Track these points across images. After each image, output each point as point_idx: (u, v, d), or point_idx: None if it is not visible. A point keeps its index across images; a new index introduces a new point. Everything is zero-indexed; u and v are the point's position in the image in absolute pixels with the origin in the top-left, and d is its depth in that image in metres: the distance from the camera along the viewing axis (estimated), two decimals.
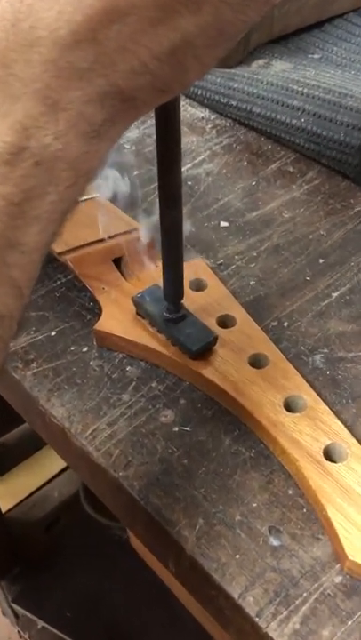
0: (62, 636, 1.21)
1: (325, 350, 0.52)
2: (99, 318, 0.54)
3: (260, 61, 0.75)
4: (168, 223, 0.46)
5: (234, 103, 0.70)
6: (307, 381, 0.48)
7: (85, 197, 0.57)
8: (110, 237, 0.56)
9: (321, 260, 0.59)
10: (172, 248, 0.47)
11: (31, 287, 0.31)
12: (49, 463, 1.37)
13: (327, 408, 0.46)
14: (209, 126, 0.73)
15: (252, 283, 0.58)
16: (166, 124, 0.40)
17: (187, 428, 0.48)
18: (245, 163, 0.68)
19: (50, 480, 1.37)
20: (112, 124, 0.30)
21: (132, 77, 0.29)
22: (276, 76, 0.69)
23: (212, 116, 0.73)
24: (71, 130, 0.29)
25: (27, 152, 0.28)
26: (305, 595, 0.40)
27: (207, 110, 0.74)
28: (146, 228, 0.56)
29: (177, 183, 0.43)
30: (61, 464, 1.37)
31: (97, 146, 0.30)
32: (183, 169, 0.58)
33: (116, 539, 1.27)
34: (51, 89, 0.28)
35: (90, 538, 1.30)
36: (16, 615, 1.28)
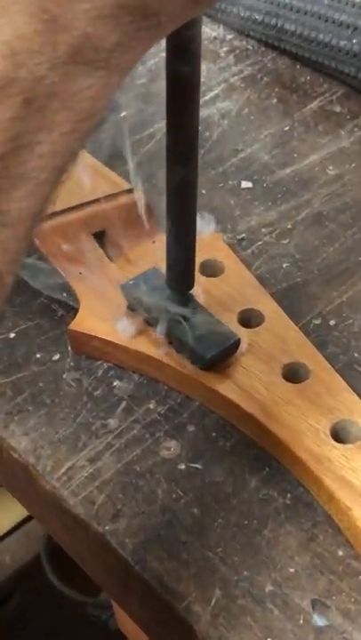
0: None
1: None
2: (74, 315, 0.54)
3: None
4: (177, 184, 0.46)
5: (259, 18, 0.70)
6: None
7: None
8: (90, 203, 0.56)
9: None
10: (181, 218, 0.47)
11: (14, 273, 0.31)
12: None
13: None
14: (224, 49, 0.73)
15: (285, 265, 0.58)
16: (183, 49, 0.40)
17: (197, 466, 0.48)
18: (275, 100, 0.68)
19: (0, 539, 1.37)
20: (126, 49, 0.30)
21: None
22: None
23: (229, 36, 0.74)
24: (73, 57, 0.29)
25: (15, 85, 0.28)
26: None
27: (221, 27, 0.74)
28: (139, 190, 0.56)
29: (192, 131, 0.44)
30: (16, 517, 1.38)
31: (105, 79, 0.30)
32: None
33: (93, 620, 1.28)
34: (50, 0, 0.28)
35: (56, 618, 1.31)
36: None
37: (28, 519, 1.36)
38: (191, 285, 0.51)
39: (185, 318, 0.51)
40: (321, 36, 0.68)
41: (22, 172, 0.29)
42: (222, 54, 0.73)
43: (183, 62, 0.41)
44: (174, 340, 0.51)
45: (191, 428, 0.50)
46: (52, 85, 0.29)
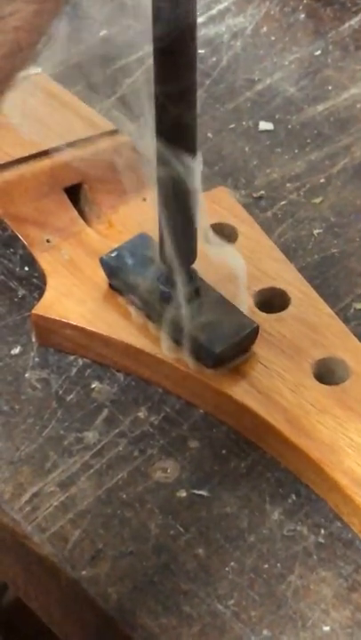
0: None
1: None
2: (40, 295, 0.54)
3: None
4: (168, 128, 0.46)
5: None
6: None
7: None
8: (61, 148, 0.56)
9: None
10: (177, 169, 0.47)
11: None
12: None
13: None
14: None
15: (317, 232, 0.59)
16: None
17: (203, 492, 0.49)
18: (303, 15, 0.69)
19: None
20: None
21: None
22: None
23: None
24: None
25: None
26: None
27: None
28: (125, 132, 0.57)
29: (186, 54, 0.44)
30: None
31: (34, 5, 0.31)
32: None
33: None
34: None
35: None
36: None
37: None
38: (193, 258, 0.51)
39: (186, 301, 0.51)
40: None
41: None
42: None
43: None
44: (172, 329, 0.51)
45: (194, 444, 0.51)
46: None
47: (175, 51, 0.44)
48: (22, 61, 0.33)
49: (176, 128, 0.46)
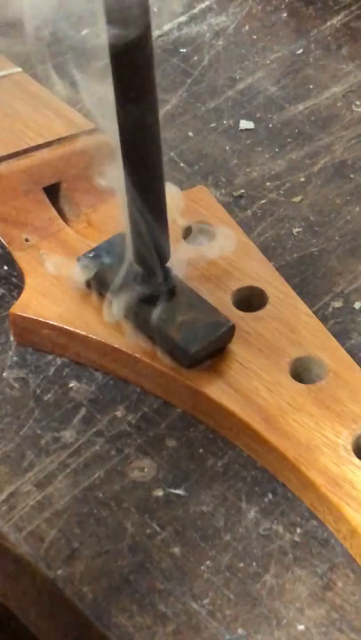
0: None
1: None
2: (18, 295, 0.54)
3: None
4: (129, 129, 0.46)
5: None
6: None
7: None
8: (40, 147, 0.56)
9: None
10: (139, 164, 0.47)
11: None
12: None
13: None
14: None
15: (296, 231, 0.59)
16: None
17: (179, 492, 0.49)
18: (285, 14, 0.69)
19: None
20: None
21: None
22: None
23: None
24: None
25: None
26: None
27: None
28: (105, 131, 0.56)
29: (142, 45, 0.43)
30: None
31: None
32: (171, 25, 0.59)
33: None
34: None
35: None
36: None
37: None
38: (166, 258, 0.51)
39: (162, 300, 0.51)
40: None
41: None
42: None
43: None
44: (149, 328, 0.51)
45: (171, 443, 0.51)
46: None
47: (130, 53, 0.43)
48: None
49: (138, 128, 0.46)
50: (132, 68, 0.44)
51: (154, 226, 0.49)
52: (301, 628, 0.45)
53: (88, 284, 0.54)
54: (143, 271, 0.51)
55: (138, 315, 0.52)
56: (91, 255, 0.53)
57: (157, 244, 0.50)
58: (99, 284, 0.53)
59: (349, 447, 0.48)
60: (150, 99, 0.45)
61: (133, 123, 0.46)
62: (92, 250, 0.53)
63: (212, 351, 0.51)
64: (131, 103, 0.45)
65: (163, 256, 0.51)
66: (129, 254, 0.51)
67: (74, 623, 0.47)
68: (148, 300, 0.51)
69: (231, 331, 0.51)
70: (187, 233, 0.55)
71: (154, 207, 0.49)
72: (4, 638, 0.74)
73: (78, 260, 0.53)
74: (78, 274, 0.54)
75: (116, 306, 0.52)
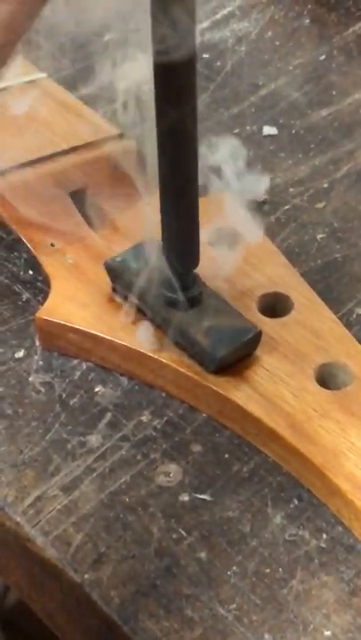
0: None
1: None
2: (44, 299, 0.54)
3: None
4: (168, 132, 0.46)
5: None
6: None
7: (22, 79, 0.57)
8: (66, 152, 0.57)
9: None
10: (176, 171, 0.48)
11: None
12: None
13: None
14: None
15: (320, 237, 0.59)
16: None
17: (205, 497, 0.49)
18: (308, 20, 0.69)
19: None
20: None
21: None
22: None
23: None
24: None
25: None
26: None
27: None
28: (130, 136, 0.57)
29: (186, 55, 0.43)
30: None
31: (8, 5, 0.32)
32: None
33: None
34: None
35: None
36: None
37: None
38: (196, 263, 0.51)
39: (189, 305, 0.51)
40: None
41: None
42: None
43: None
44: (175, 333, 0.51)
45: (197, 448, 0.51)
46: None
47: (175, 70, 0.44)
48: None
49: (176, 131, 0.47)
50: (175, 69, 0.44)
51: (185, 231, 0.49)
52: (328, 633, 0.45)
53: (114, 289, 0.53)
54: (172, 276, 0.51)
55: (164, 319, 0.52)
56: (118, 260, 0.53)
57: (188, 249, 0.50)
58: (125, 289, 0.53)
59: None
60: (192, 103, 0.45)
61: (173, 127, 0.46)
62: (118, 255, 0.53)
63: (238, 357, 0.51)
64: (170, 105, 0.45)
65: (192, 261, 0.51)
66: (156, 259, 0.51)
67: (100, 627, 0.47)
68: (175, 305, 0.51)
69: (258, 337, 0.51)
70: (212, 238, 0.55)
71: (187, 213, 0.49)
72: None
73: (105, 264, 0.53)
74: (105, 278, 0.53)
75: (143, 311, 0.52)
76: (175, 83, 0.45)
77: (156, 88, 0.45)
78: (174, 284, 0.51)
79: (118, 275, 0.53)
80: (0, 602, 1.32)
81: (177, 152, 0.47)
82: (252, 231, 0.56)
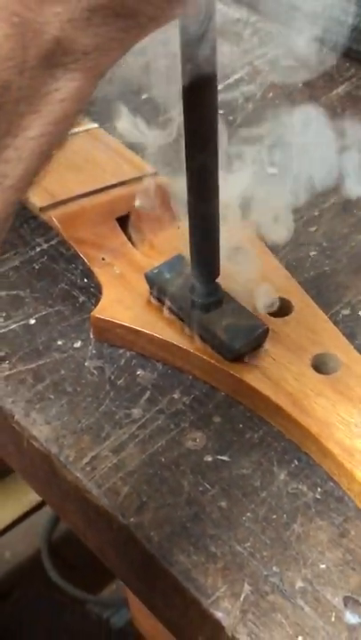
0: None
1: None
2: (97, 302, 0.54)
3: None
4: (197, 170, 0.46)
5: None
6: None
7: (79, 129, 0.57)
8: (114, 186, 0.56)
9: None
10: (203, 204, 0.47)
11: None
12: None
13: None
14: (248, 32, 0.73)
15: (313, 254, 0.58)
16: (198, 37, 0.40)
17: (224, 458, 0.48)
18: (301, 84, 0.68)
19: (0, 534, 1.37)
20: (103, 51, 0.30)
21: None
22: None
23: (252, 18, 0.73)
24: (43, 60, 0.29)
25: None
26: None
27: (245, 9, 0.74)
28: (164, 174, 0.56)
29: (210, 115, 0.44)
30: (16, 511, 1.38)
31: (78, 82, 0.30)
32: None
33: (94, 618, 1.28)
34: (21, 3, 0.28)
35: (56, 615, 1.30)
36: None
37: (28, 513, 1.36)
38: (217, 274, 0.51)
39: (211, 307, 0.51)
40: (350, 20, 0.67)
41: None
42: (246, 36, 0.73)
43: (199, 49, 0.40)
44: (201, 329, 0.51)
45: (217, 419, 0.50)
46: (19, 90, 0.29)
47: (203, 107, 0.43)
48: (70, 125, 0.32)
49: (203, 170, 0.46)
50: (202, 121, 0.44)
51: (209, 249, 0.49)
52: (323, 566, 0.45)
53: (152, 294, 0.53)
54: (198, 285, 0.50)
55: (192, 318, 0.51)
56: (155, 271, 0.53)
57: (211, 263, 0.50)
58: (161, 294, 0.52)
59: (359, 424, 0.47)
60: (213, 147, 0.45)
61: (199, 167, 0.45)
62: (156, 267, 0.53)
63: (250, 348, 0.50)
64: (198, 150, 0.45)
65: (214, 273, 0.50)
66: (186, 271, 0.51)
67: (142, 560, 0.46)
68: (201, 307, 0.51)
69: (266, 332, 0.51)
70: (229, 255, 0.55)
71: (210, 234, 0.48)
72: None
73: (145, 275, 0.53)
74: (145, 286, 0.53)
75: (174, 312, 0.52)
76: (201, 133, 0.45)
77: (186, 137, 0.45)
78: (200, 291, 0.51)
79: (155, 283, 0.52)
80: (49, 534, 1.32)
81: (202, 187, 0.47)
82: (260, 248, 0.56)
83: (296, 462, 0.48)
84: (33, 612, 1.33)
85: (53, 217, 0.55)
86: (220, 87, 0.68)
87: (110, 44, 0.30)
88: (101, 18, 0.29)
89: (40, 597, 1.32)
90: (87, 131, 0.58)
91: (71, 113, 0.31)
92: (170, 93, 0.62)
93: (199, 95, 0.43)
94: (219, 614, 0.43)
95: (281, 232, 0.54)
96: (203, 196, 0.47)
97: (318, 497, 0.47)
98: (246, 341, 0.50)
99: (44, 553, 1.33)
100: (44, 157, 0.31)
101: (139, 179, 0.57)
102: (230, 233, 0.53)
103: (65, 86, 0.30)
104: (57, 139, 0.31)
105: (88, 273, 0.56)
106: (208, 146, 0.45)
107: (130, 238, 0.56)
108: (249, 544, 0.45)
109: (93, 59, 0.30)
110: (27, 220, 0.59)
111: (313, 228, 0.59)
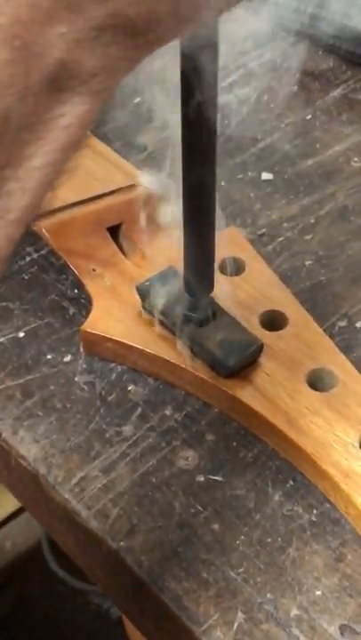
0: None
1: None
2: (87, 313, 0.51)
3: None
4: (193, 185, 0.44)
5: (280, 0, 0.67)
6: None
7: None
8: (104, 195, 0.54)
9: None
10: (198, 220, 0.45)
11: None
12: None
13: None
14: (242, 33, 0.70)
15: (308, 263, 0.56)
16: (199, 46, 0.37)
17: (217, 478, 0.46)
18: (297, 87, 0.66)
19: (1, 524, 1.37)
20: (110, 71, 0.28)
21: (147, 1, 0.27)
22: None
23: (247, 18, 0.71)
24: (47, 85, 0.27)
25: None
26: None
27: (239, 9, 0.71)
28: (155, 183, 0.54)
29: (209, 128, 0.41)
30: (16, 503, 1.36)
31: (84, 106, 0.28)
32: None
33: (94, 608, 1.27)
34: (22, 25, 0.26)
35: (56, 605, 1.30)
36: None
37: None
38: (211, 289, 0.49)
39: (204, 321, 0.49)
40: (349, 21, 0.65)
41: None
42: (240, 37, 0.70)
43: (198, 59, 0.38)
44: (194, 344, 0.49)
45: (210, 437, 0.48)
46: (21, 118, 0.27)
47: (199, 127, 0.41)
48: (77, 150, 0.30)
49: (200, 184, 0.44)
50: (201, 135, 0.41)
51: (203, 262, 0.47)
52: (318, 593, 0.43)
53: (144, 307, 0.51)
54: (191, 298, 0.48)
55: (185, 333, 0.49)
56: (146, 283, 0.50)
57: (204, 276, 0.47)
58: (152, 307, 0.50)
59: (356, 445, 0.45)
60: (212, 161, 0.43)
61: (197, 181, 0.43)
62: (147, 279, 0.51)
63: (244, 364, 0.48)
64: (196, 164, 0.42)
65: (208, 286, 0.48)
66: (179, 284, 0.49)
67: (132, 584, 0.44)
68: (194, 322, 0.49)
69: (260, 348, 0.48)
70: (222, 266, 0.52)
71: (205, 247, 0.46)
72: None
73: (136, 287, 0.51)
74: (136, 297, 0.51)
75: (166, 326, 0.49)
76: (200, 148, 0.42)
77: (183, 149, 0.42)
78: (192, 305, 0.48)
79: (146, 296, 0.50)
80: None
81: (199, 201, 0.45)
82: (254, 259, 0.54)
83: (291, 482, 0.46)
84: (33, 603, 1.32)
85: (42, 227, 0.53)
86: None
87: (119, 64, 0.28)
88: (111, 36, 0.27)
89: (40, 588, 1.32)
90: None
91: (77, 138, 0.29)
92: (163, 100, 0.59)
93: (198, 110, 0.41)
94: None
95: None
96: (200, 210, 0.45)
97: (314, 519, 0.45)
98: (241, 358, 0.48)
99: (44, 544, 1.32)
100: (49, 186, 0.29)
101: (130, 187, 0.55)
102: (222, 241, 0.50)
103: (71, 111, 0.28)
104: (63, 166, 0.29)
105: (78, 283, 0.54)
106: (206, 161, 0.43)
107: (121, 248, 0.54)
108: (242, 569, 0.43)
109: (101, 81, 0.28)
110: None
111: (309, 236, 0.57)
